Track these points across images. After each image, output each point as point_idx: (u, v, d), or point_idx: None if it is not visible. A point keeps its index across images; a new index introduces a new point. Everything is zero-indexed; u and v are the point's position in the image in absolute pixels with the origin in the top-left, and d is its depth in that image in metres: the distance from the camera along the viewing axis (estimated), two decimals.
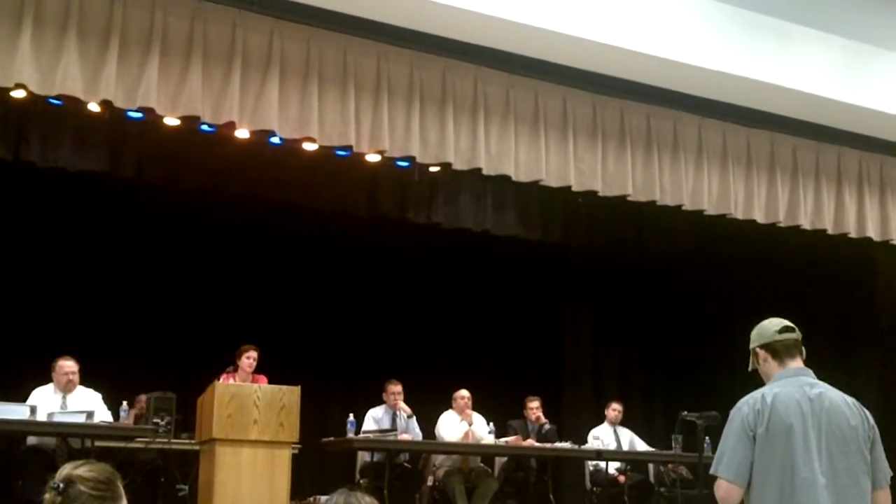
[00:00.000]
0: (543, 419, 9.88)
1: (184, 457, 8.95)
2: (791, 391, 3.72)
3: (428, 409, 9.56)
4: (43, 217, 9.97)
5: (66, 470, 2.71)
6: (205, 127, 7.72)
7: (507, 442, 9.51)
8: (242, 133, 7.66)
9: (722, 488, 3.68)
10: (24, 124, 8.56)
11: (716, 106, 8.69)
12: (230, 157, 9.06)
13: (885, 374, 10.85)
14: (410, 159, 8.03)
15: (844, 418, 3.71)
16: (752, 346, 3.94)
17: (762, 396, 3.73)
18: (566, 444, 9.63)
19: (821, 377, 3.85)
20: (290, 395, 7.17)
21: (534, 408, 9.90)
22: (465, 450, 9.33)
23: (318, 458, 9.57)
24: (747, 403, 3.74)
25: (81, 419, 7.50)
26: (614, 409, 10.37)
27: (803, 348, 3.90)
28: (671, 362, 12.33)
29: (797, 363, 3.85)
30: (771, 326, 3.91)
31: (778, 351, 3.85)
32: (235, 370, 8.86)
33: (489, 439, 9.36)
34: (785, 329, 3.88)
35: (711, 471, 3.73)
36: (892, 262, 10.61)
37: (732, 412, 3.77)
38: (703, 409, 6.50)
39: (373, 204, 10.17)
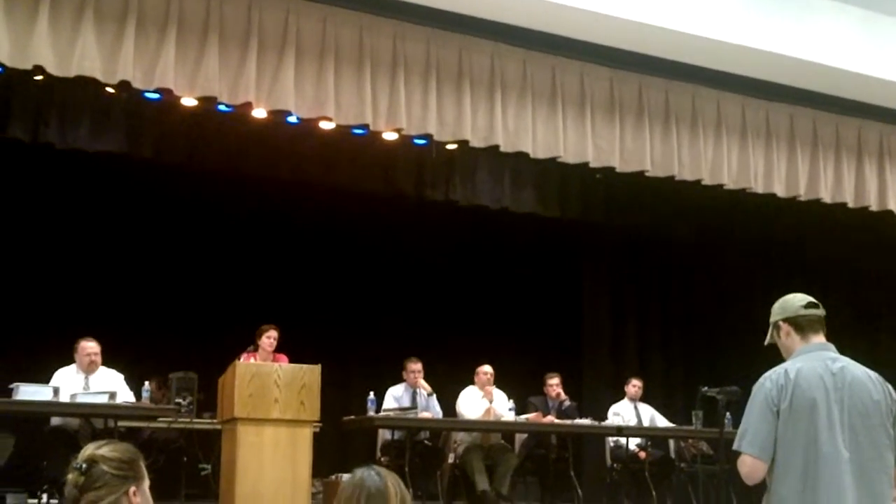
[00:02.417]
0: (564, 396, 9.87)
1: (206, 436, 9.02)
2: (814, 366, 3.69)
3: (448, 388, 9.57)
4: (62, 198, 10.02)
5: (88, 450, 2.73)
6: (222, 107, 7.73)
7: (527, 419, 9.52)
8: (259, 113, 7.69)
9: (746, 464, 3.65)
10: (42, 106, 8.59)
11: (735, 80, 8.62)
12: (247, 136, 9.07)
13: None
14: (427, 137, 8.01)
15: (867, 393, 3.69)
16: (774, 319, 3.89)
17: (785, 371, 3.69)
18: (586, 421, 9.62)
19: (841, 353, 3.82)
20: (311, 374, 7.20)
21: (553, 385, 9.89)
22: (485, 427, 9.34)
23: (339, 437, 9.61)
24: (770, 378, 3.70)
25: (104, 399, 7.54)
26: (634, 385, 10.35)
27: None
28: (690, 338, 12.29)
29: (820, 338, 3.82)
30: (796, 301, 3.87)
31: (802, 326, 3.82)
32: (256, 350, 8.89)
33: (510, 416, 9.36)
34: (810, 304, 3.85)
35: (735, 446, 3.70)
36: None
37: (755, 387, 3.73)
38: (723, 385, 6.47)
39: (390, 182, 10.15)
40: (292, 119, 7.80)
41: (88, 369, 7.99)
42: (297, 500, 6.98)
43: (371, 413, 8.64)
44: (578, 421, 9.60)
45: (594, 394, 11.54)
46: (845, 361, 3.77)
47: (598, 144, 8.27)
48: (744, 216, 10.47)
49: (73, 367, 8.02)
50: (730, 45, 8.04)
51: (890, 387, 3.79)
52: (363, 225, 11.15)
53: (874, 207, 9.32)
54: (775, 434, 3.63)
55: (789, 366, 3.73)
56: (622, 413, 10.09)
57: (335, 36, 7.37)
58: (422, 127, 7.69)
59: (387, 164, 10.00)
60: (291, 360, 8.35)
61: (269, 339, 8.91)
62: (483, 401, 9.39)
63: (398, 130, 7.73)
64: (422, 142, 8.82)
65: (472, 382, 9.53)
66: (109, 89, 7.42)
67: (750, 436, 3.66)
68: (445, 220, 11.11)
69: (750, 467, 3.65)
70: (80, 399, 7.54)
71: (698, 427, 9.49)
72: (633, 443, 9.98)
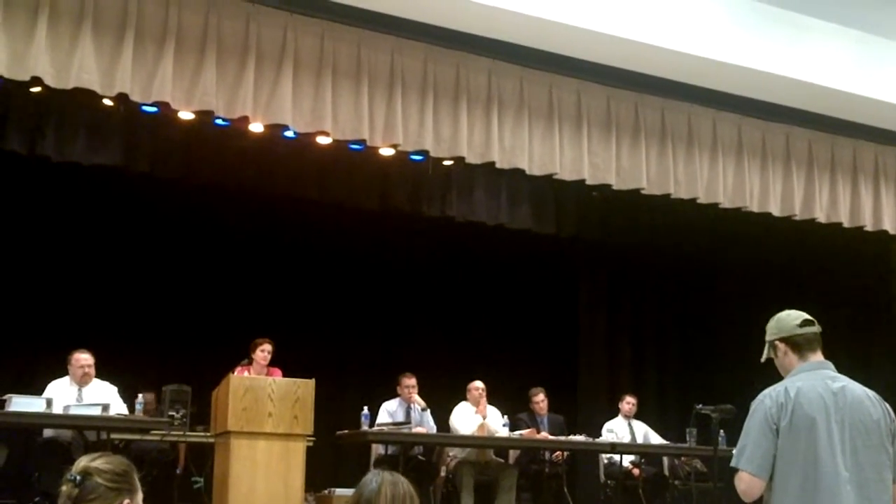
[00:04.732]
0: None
1: (199, 449, 8.99)
2: (814, 385, 3.68)
3: (442, 403, 9.55)
4: (58, 211, 10.01)
5: (82, 462, 2.73)
6: (219, 121, 7.75)
7: (521, 435, 9.50)
8: (256, 127, 7.69)
9: (744, 481, 3.64)
10: (39, 118, 8.59)
11: (731, 99, 8.65)
12: (244, 151, 9.08)
13: None
14: (424, 153, 8.03)
15: (867, 412, 3.68)
16: (769, 338, 3.88)
17: (785, 389, 3.68)
18: (581, 438, 9.61)
19: (837, 371, 3.82)
20: (305, 387, 7.19)
21: (539, 401, 9.90)
22: (479, 443, 9.32)
23: (333, 451, 9.60)
24: (770, 396, 3.69)
25: (97, 412, 7.52)
26: (628, 402, 10.36)
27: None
28: (685, 355, 12.30)
29: (818, 357, 3.81)
30: (791, 319, 3.85)
31: (799, 344, 3.80)
32: (250, 363, 8.87)
33: (503, 432, 9.35)
34: (806, 322, 3.83)
35: (733, 463, 3.69)
36: None
37: (754, 405, 3.72)
38: (717, 402, 6.48)
39: (386, 198, 10.16)
40: (289, 133, 7.82)
41: (82, 381, 7.98)
42: None
43: (365, 427, 8.63)
44: (573, 437, 9.59)
45: (589, 410, 11.54)
46: (845, 381, 3.76)
47: (595, 162, 8.29)
48: (739, 234, 10.48)
49: (66, 378, 8.00)
50: (726, 64, 8.08)
51: (888, 406, 3.78)
52: (359, 240, 11.15)
53: (869, 227, 9.34)
54: (774, 452, 3.61)
55: (789, 384, 3.71)
56: (616, 430, 10.09)
57: (333, 51, 7.39)
58: (418, 143, 7.70)
59: (383, 180, 10.01)
60: (285, 374, 8.34)
61: (263, 352, 8.90)
62: (477, 416, 9.37)
63: (395, 146, 7.75)
64: (418, 158, 8.83)
65: (467, 398, 9.52)
66: (107, 102, 7.43)
67: (748, 453, 3.64)
68: (441, 236, 11.12)
69: (748, 484, 3.64)
70: (74, 411, 7.51)
71: (692, 444, 9.50)
72: (627, 460, 9.98)
